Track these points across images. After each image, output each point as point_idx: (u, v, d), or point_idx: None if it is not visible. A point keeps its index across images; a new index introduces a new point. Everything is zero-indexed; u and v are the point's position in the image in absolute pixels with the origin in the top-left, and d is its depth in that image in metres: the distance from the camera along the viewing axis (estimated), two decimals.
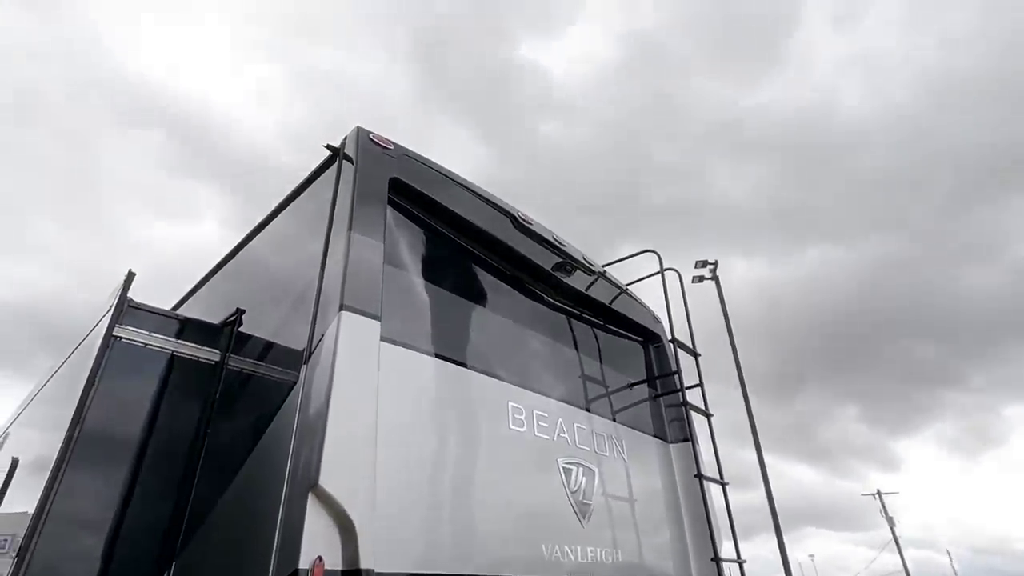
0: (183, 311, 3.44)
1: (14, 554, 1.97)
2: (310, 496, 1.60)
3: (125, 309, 2.37)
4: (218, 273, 3.40)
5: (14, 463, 2.90)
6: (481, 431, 2.31)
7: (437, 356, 2.28)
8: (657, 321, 3.92)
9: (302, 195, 2.79)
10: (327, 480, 1.62)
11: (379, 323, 2.04)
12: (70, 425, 2.14)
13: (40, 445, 2.64)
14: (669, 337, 3.51)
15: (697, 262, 13.47)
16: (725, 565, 2.97)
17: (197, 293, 3.52)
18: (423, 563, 1.84)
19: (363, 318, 1.99)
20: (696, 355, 3.57)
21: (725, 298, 13.94)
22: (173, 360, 2.46)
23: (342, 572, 1.58)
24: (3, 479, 2.88)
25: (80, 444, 2.15)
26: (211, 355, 2.55)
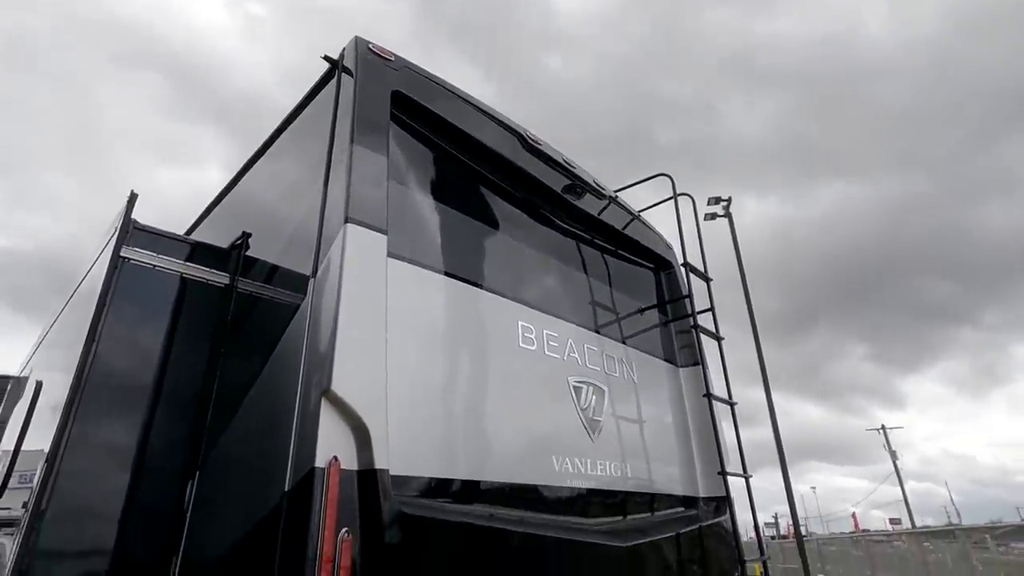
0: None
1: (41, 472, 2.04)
2: (323, 401, 1.62)
3: (131, 231, 2.35)
4: (223, 200, 3.36)
5: (38, 386, 2.99)
6: (491, 348, 2.31)
7: (445, 274, 2.26)
8: (669, 247, 3.85)
9: (303, 112, 2.70)
10: (339, 385, 1.63)
11: (385, 238, 2.00)
12: (83, 348, 2.17)
13: (59, 370, 2.71)
14: (681, 262, 3.46)
15: (710, 199, 13.19)
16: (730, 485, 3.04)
17: (203, 222, 3.50)
18: (436, 468, 1.88)
19: (369, 231, 1.96)
20: (708, 280, 3.53)
21: (738, 237, 13.75)
22: (183, 282, 2.47)
23: (357, 472, 1.62)
24: (28, 404, 2.98)
25: (96, 367, 2.19)
26: (220, 278, 2.55)
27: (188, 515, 2.11)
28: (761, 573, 3.09)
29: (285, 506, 1.57)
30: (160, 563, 2.06)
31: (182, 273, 2.47)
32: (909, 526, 23.27)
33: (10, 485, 2.84)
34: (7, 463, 2.87)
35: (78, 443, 2.07)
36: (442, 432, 1.97)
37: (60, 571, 1.99)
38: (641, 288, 3.56)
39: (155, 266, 2.40)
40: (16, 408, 3.50)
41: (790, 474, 12.57)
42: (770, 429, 12.59)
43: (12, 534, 2.18)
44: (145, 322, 2.40)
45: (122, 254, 2.31)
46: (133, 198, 2.37)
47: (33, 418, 2.84)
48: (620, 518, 2.53)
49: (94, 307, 2.25)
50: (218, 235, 2.90)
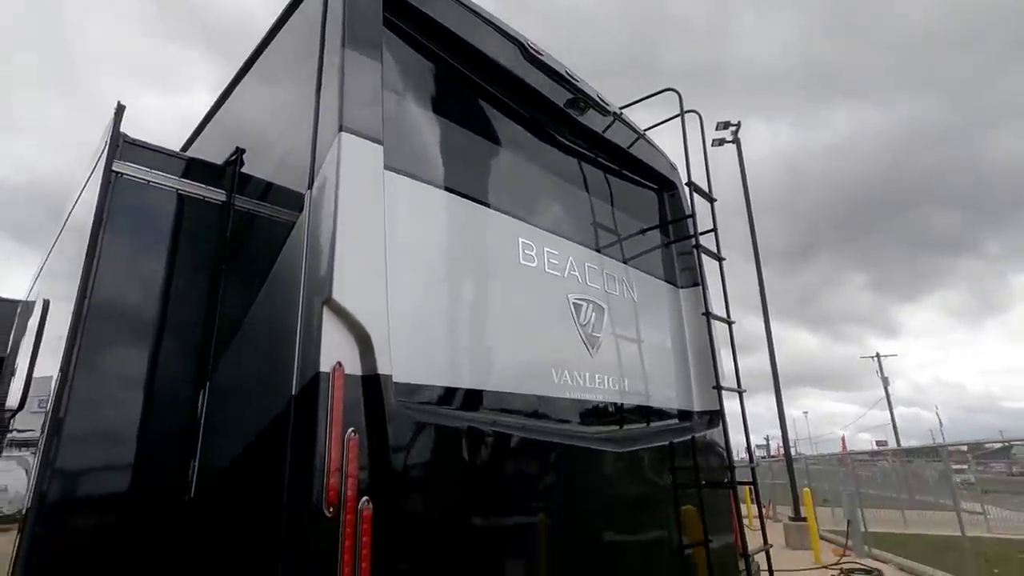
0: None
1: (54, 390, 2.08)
2: (325, 309, 1.64)
3: (121, 144, 2.29)
4: (214, 116, 3.26)
5: (46, 305, 3.03)
6: (490, 263, 2.32)
7: (443, 188, 2.22)
8: (673, 168, 3.77)
9: (291, 20, 2.56)
10: (340, 294, 1.65)
11: (381, 148, 1.95)
12: (84, 267, 2.17)
13: (63, 290, 2.73)
14: (685, 181, 3.39)
15: (719, 123, 12.79)
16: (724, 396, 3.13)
17: (195, 141, 3.41)
18: (439, 377, 1.94)
19: (364, 141, 1.91)
20: (712, 200, 3.47)
21: (745, 164, 13.43)
22: (180, 199, 2.44)
23: (362, 377, 1.66)
24: (38, 323, 3.03)
25: (99, 285, 2.19)
26: (217, 194, 2.52)
27: (201, 424, 2.20)
28: (750, 488, 3.25)
29: (293, 409, 1.62)
30: (179, 469, 2.17)
31: (178, 189, 2.43)
32: (894, 449, 24.29)
33: (31, 408, 2.94)
34: (24, 382, 2.96)
35: (88, 359, 2.11)
36: (444, 343, 2.01)
37: (80, 486, 2.05)
38: (644, 208, 3.52)
39: (150, 182, 2.36)
40: (27, 330, 3.57)
41: (783, 399, 12.99)
42: (765, 358, 12.89)
43: (35, 453, 2.27)
44: (144, 240, 2.39)
45: (114, 169, 2.26)
46: (120, 110, 2.29)
47: (44, 337, 2.91)
48: (617, 428, 2.63)
49: (91, 225, 2.23)
50: (211, 153, 2.84)
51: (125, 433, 2.17)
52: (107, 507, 2.08)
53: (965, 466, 13.66)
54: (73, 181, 3.08)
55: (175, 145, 3.64)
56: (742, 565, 2.92)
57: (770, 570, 2.74)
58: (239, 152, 2.56)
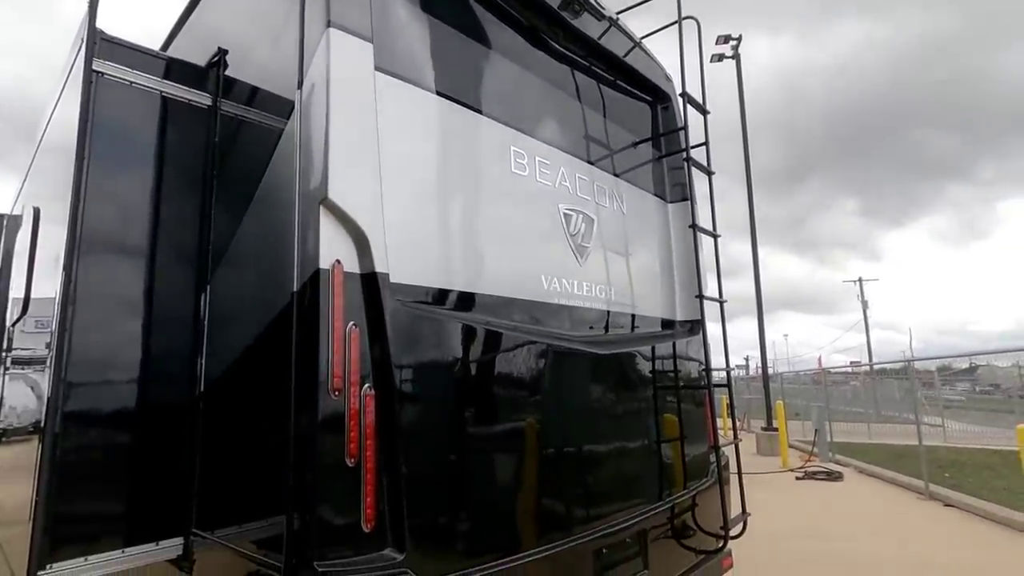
0: None
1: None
2: (321, 208, 1.68)
3: (98, 42, 2.21)
4: (191, 15, 3.10)
5: (36, 213, 3.02)
6: (482, 170, 2.34)
7: (435, 92, 2.19)
8: (669, 79, 3.69)
9: None
10: (335, 193, 1.68)
11: (372, 46, 1.91)
12: (75, 172, 2.15)
13: (52, 195, 2.71)
14: (679, 92, 3.33)
15: (719, 37, 12.26)
16: (706, 309, 3.27)
17: (172, 41, 3.26)
18: (434, 279, 2.02)
19: (354, 38, 1.87)
20: (705, 112, 3.44)
21: (743, 82, 13.03)
22: (164, 102, 2.38)
23: (360, 275, 1.74)
24: (31, 232, 3.03)
25: (90, 189, 2.18)
26: (202, 98, 2.46)
27: (205, 324, 2.29)
28: (727, 398, 3.46)
29: (295, 304, 1.70)
30: (187, 366, 2.28)
31: (162, 92, 2.38)
32: (867, 368, 25.45)
33: (32, 324, 2.99)
34: (24, 293, 3.00)
35: (86, 268, 2.12)
36: (437, 247, 2.07)
37: (93, 394, 2.12)
38: (636, 121, 3.48)
39: (132, 83, 2.29)
40: (18, 242, 3.57)
41: (765, 322, 13.42)
42: (750, 282, 13.18)
43: (42, 370, 2.34)
44: (132, 144, 2.36)
45: (95, 68, 2.19)
46: (94, 4, 2.19)
47: (39, 244, 2.92)
48: (602, 332, 2.77)
49: (76, 129, 2.19)
50: (191, 54, 2.73)
51: (130, 339, 2.24)
52: (121, 409, 2.20)
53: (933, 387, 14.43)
54: (52, 82, 2.97)
55: (151, 45, 3.48)
56: (713, 458, 3.19)
57: (738, 461, 3.00)
58: (222, 53, 2.48)
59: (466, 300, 2.12)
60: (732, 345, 3.31)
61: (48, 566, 1.92)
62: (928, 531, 6.25)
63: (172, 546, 2.12)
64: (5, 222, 4.73)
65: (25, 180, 3.92)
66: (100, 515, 2.12)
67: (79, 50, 2.29)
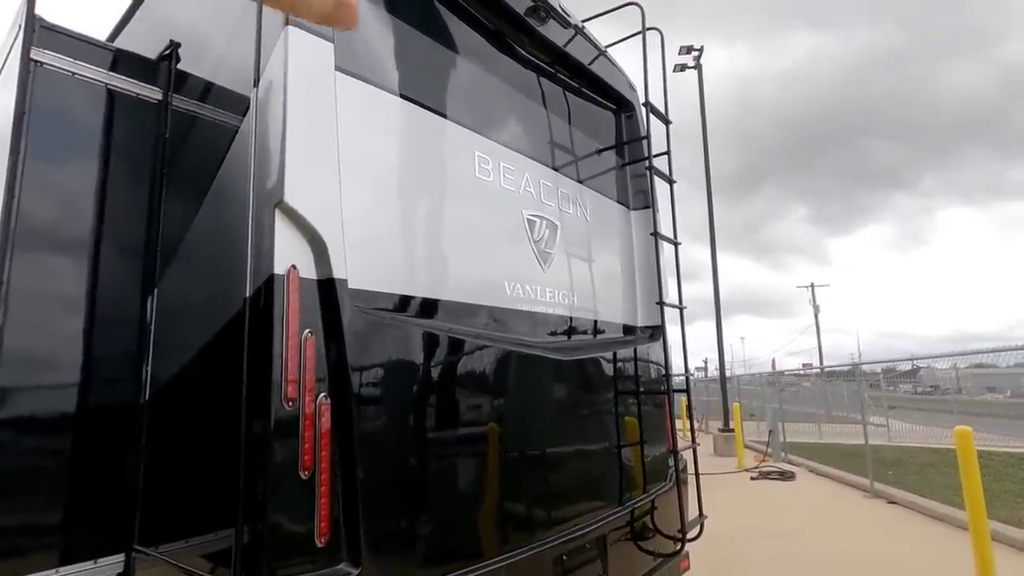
0: None
1: None
2: (276, 211, 1.63)
3: (38, 29, 2.08)
4: (143, 4, 2.97)
5: None
6: (445, 175, 2.31)
7: (398, 94, 2.16)
8: (632, 88, 3.75)
9: None
10: (291, 196, 1.63)
11: (332, 46, 1.87)
12: (8, 168, 2.02)
13: None
14: (642, 101, 3.39)
15: (682, 47, 12.56)
16: (667, 314, 3.33)
17: (122, 31, 3.11)
18: (394, 285, 1.98)
19: (314, 37, 1.81)
20: (667, 122, 3.51)
21: (704, 90, 13.37)
22: (110, 95, 2.27)
23: (317, 281, 1.69)
24: None
25: (26, 186, 2.05)
26: (152, 92, 2.35)
27: (152, 330, 2.19)
28: (687, 399, 3.53)
29: (248, 309, 1.64)
30: (131, 373, 2.17)
31: (108, 84, 2.25)
32: (819, 370, 26.47)
33: None
34: None
35: (21, 268, 2.00)
36: (398, 252, 2.03)
37: (26, 396, 2.00)
38: (600, 129, 3.52)
39: (75, 74, 2.17)
40: None
41: (723, 324, 13.80)
42: (709, 285, 13.53)
43: None
44: (74, 139, 2.23)
45: (34, 57, 2.06)
46: None
47: None
48: (565, 338, 2.78)
49: (11, 122, 2.06)
50: (141, 46, 2.61)
51: (69, 341, 2.11)
52: (57, 415, 2.07)
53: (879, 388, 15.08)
54: None
55: (97, 35, 3.31)
56: (671, 461, 3.25)
57: (696, 464, 3.06)
58: (174, 46, 2.37)
59: (427, 306, 2.09)
60: (692, 347, 3.40)
61: None
62: (871, 528, 6.54)
63: (112, 564, 2.01)
64: None
65: None
66: (31, 530, 1.99)
67: (16, 37, 2.16)
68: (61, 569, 1.94)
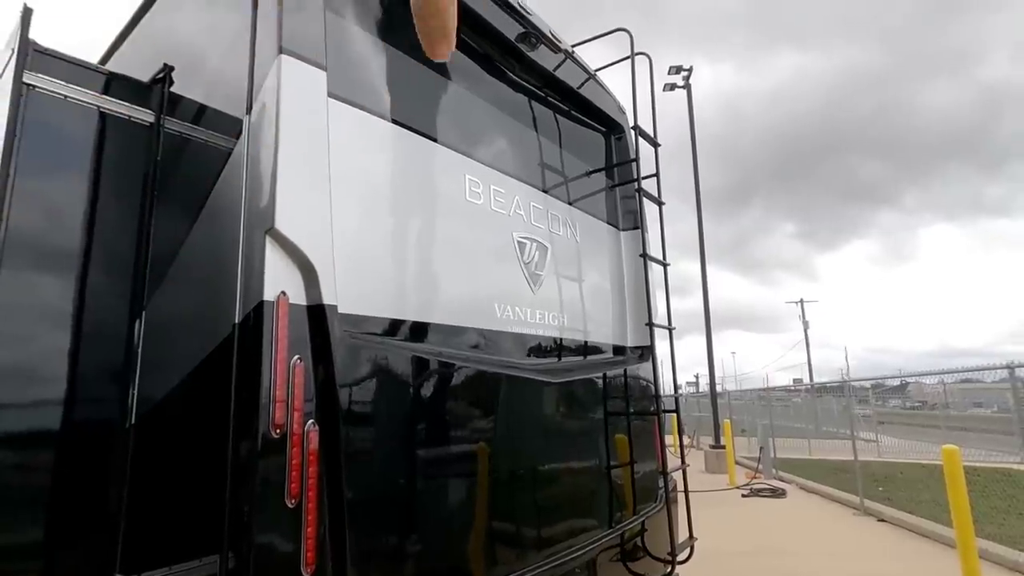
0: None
1: None
2: (267, 238, 1.64)
3: (31, 53, 2.09)
4: (136, 27, 2.99)
5: None
6: (437, 199, 2.33)
7: (390, 120, 2.18)
8: (622, 111, 3.81)
9: None
10: (282, 223, 1.64)
11: (325, 74, 1.89)
12: None
13: None
14: (632, 125, 3.45)
15: (671, 67, 12.77)
16: (656, 333, 3.36)
17: (113, 55, 3.13)
18: (384, 309, 1.99)
19: (306, 66, 1.84)
20: (656, 145, 3.57)
21: (693, 109, 13.57)
22: (102, 117, 2.27)
23: (307, 307, 1.69)
24: None
25: (15, 208, 2.05)
26: (144, 115, 2.36)
27: (139, 353, 2.17)
28: (676, 413, 3.54)
29: (237, 336, 1.64)
30: (117, 397, 2.14)
31: (100, 107, 2.26)
32: (809, 386, 26.62)
33: None
34: None
35: (7, 290, 2.00)
36: (389, 277, 2.04)
37: (5, 416, 1.98)
38: (590, 151, 3.57)
39: (67, 97, 2.18)
40: None
41: (713, 339, 13.86)
42: (699, 301, 13.62)
43: None
44: (64, 162, 2.23)
45: (26, 81, 2.07)
46: (28, 13, 2.08)
47: None
48: (555, 360, 2.79)
49: (1, 143, 2.06)
50: (134, 69, 2.63)
51: (55, 361, 2.09)
52: (38, 437, 2.04)
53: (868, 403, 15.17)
54: None
55: (90, 58, 3.33)
56: (662, 483, 3.24)
57: (685, 486, 3.06)
58: (167, 69, 2.39)
59: (417, 330, 2.10)
60: (683, 362, 3.45)
61: None
62: (861, 546, 6.54)
63: None
64: None
65: None
66: (8, 554, 1.94)
67: (9, 60, 2.17)
68: None
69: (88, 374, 2.14)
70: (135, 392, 2.14)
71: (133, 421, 2.12)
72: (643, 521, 3.00)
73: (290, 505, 1.55)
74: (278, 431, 1.56)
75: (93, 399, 2.14)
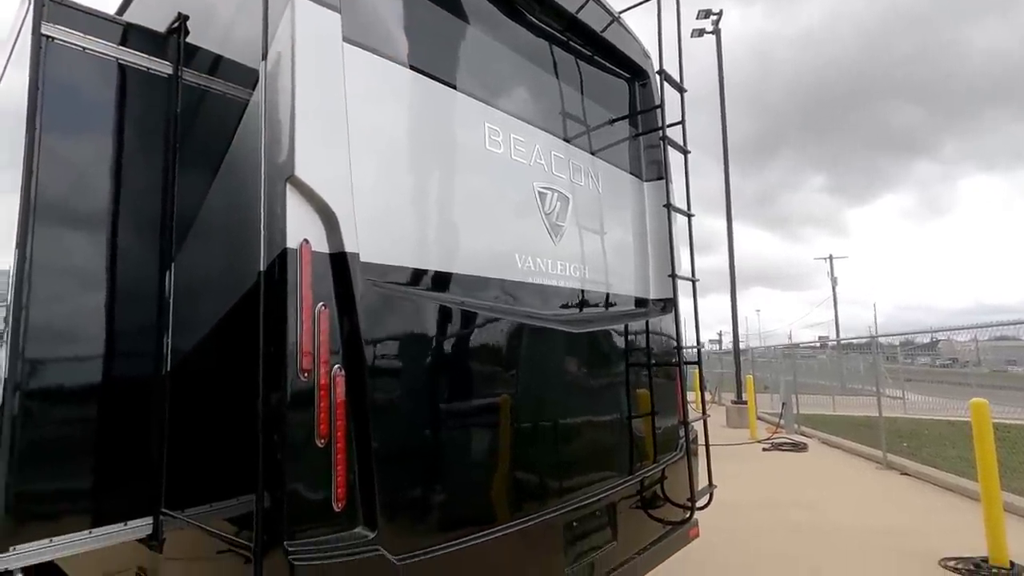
0: None
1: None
2: (288, 185, 1.64)
3: (47, 3, 2.08)
4: None
5: None
6: (455, 147, 2.30)
7: (407, 65, 2.13)
8: (647, 56, 3.66)
9: None
10: (302, 170, 1.64)
11: (339, 16, 1.84)
12: (26, 143, 2.05)
13: (4, 166, 2.58)
14: (657, 69, 3.31)
15: (700, 11, 12.16)
16: (679, 287, 3.31)
17: (130, 5, 3.09)
18: (406, 258, 1.99)
19: (321, 8, 1.79)
20: (682, 91, 3.43)
21: (722, 55, 12.98)
22: (121, 69, 2.27)
23: (329, 255, 1.71)
24: None
25: (43, 161, 2.08)
26: (162, 66, 2.35)
27: (170, 303, 2.24)
28: (698, 365, 3.53)
29: (263, 284, 1.67)
30: (153, 345, 2.23)
31: (119, 59, 2.26)
32: (834, 343, 26.27)
33: None
34: None
35: (43, 244, 2.04)
36: (409, 225, 2.04)
37: (54, 368, 2.07)
38: (613, 98, 3.46)
39: (86, 48, 2.18)
40: None
41: (737, 296, 13.69)
42: (723, 258, 13.38)
43: (0, 346, 2.25)
44: (87, 115, 2.25)
45: (44, 32, 2.07)
46: None
47: None
48: (576, 311, 2.79)
49: (26, 98, 2.08)
50: (148, 19, 2.60)
51: (92, 314, 2.17)
52: (84, 386, 2.14)
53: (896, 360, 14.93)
54: None
55: (105, 8, 3.30)
56: (682, 432, 3.28)
57: (706, 435, 3.09)
58: (183, 19, 2.36)
59: (438, 279, 2.11)
60: (705, 320, 3.41)
61: (11, 548, 1.89)
62: (883, 499, 6.57)
63: (141, 526, 2.11)
64: None
65: None
66: (65, 495, 2.08)
67: (26, 12, 2.16)
68: (94, 530, 2.04)
69: (123, 326, 2.22)
70: (168, 341, 2.22)
71: (168, 369, 2.21)
72: (663, 469, 3.04)
73: (320, 444, 1.61)
74: (306, 375, 1.61)
75: (130, 351, 2.23)
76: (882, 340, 13.30)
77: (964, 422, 8.68)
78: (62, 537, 1.98)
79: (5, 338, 2.08)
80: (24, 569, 1.92)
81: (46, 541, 1.96)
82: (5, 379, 1.97)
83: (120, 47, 2.26)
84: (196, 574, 2.03)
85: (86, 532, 2.03)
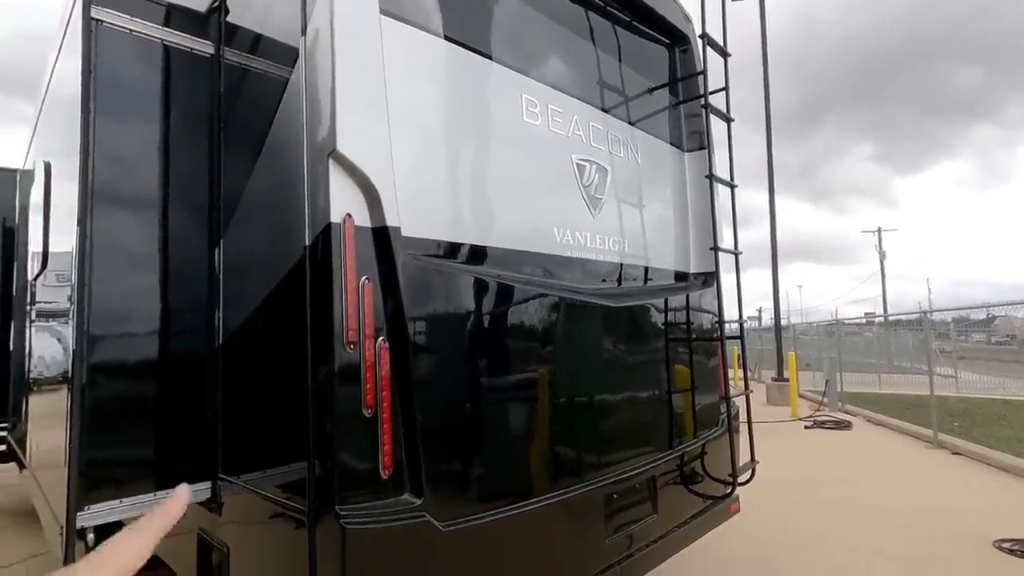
0: None
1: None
2: (330, 161, 1.66)
3: None
4: None
5: (47, 168, 3.02)
6: (492, 119, 2.27)
7: (443, 36, 2.11)
8: (688, 20, 3.51)
9: None
10: (344, 145, 1.65)
11: None
12: (81, 124, 2.13)
13: (61, 151, 2.70)
14: (699, 33, 3.18)
15: None
16: (720, 260, 3.23)
17: None
18: (445, 232, 2.00)
19: None
20: (726, 55, 3.28)
21: (766, 20, 12.38)
22: (166, 50, 2.33)
23: (371, 229, 1.72)
24: (43, 188, 3.04)
25: (99, 144, 2.16)
26: (205, 46, 2.40)
27: (220, 278, 2.32)
28: (740, 340, 3.45)
29: (308, 258, 1.71)
30: (205, 320, 2.32)
31: (163, 40, 2.31)
32: (882, 319, 25.31)
33: (49, 284, 3.03)
34: (42, 250, 3.04)
35: (101, 225, 2.15)
36: (450, 196, 2.04)
37: (116, 343, 2.20)
38: (653, 65, 3.34)
39: (132, 31, 2.23)
40: (33, 197, 3.59)
41: (779, 272, 13.29)
42: (765, 231, 12.97)
43: (66, 322, 2.40)
44: (136, 96, 2.32)
45: (94, 15, 2.13)
46: None
47: (52, 201, 2.94)
48: (615, 285, 2.76)
49: (80, 80, 2.16)
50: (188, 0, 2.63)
51: (148, 292, 2.29)
52: (144, 359, 2.27)
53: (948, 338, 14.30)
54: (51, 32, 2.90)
55: None
56: (724, 408, 3.23)
57: (748, 411, 3.03)
58: None
59: (478, 253, 2.11)
60: (746, 296, 3.28)
61: (86, 507, 2.03)
62: (933, 478, 6.36)
63: (201, 490, 2.23)
64: (19, 177, 4.77)
65: (34, 134, 3.90)
66: (131, 460, 2.22)
67: (74, 1, 2.23)
68: (158, 493, 2.17)
69: (177, 303, 2.32)
70: (220, 316, 2.31)
71: (220, 343, 2.30)
72: (704, 444, 3.01)
73: (367, 414, 1.65)
74: (352, 347, 1.64)
75: (183, 326, 2.34)
76: (934, 317, 12.74)
77: (1021, 401, 8.27)
78: (130, 499, 2.12)
79: (71, 315, 2.21)
80: (96, 528, 2.07)
81: (116, 502, 2.09)
82: (74, 351, 2.09)
83: (164, 28, 2.31)
84: (253, 536, 2.13)
85: (151, 494, 2.16)
